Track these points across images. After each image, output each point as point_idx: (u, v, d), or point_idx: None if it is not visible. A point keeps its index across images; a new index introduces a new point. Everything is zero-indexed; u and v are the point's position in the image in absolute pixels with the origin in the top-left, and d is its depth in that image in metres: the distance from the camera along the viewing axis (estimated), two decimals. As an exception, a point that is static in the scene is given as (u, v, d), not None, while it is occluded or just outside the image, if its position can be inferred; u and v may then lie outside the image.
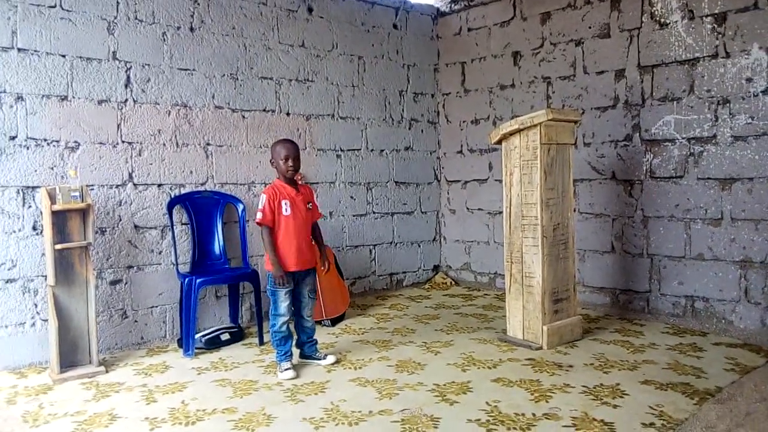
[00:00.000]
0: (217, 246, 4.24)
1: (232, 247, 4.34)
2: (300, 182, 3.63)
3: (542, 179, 3.71)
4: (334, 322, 4.47)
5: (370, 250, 5.39)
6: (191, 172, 4.23)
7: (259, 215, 3.28)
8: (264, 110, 4.59)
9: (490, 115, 5.49)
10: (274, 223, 3.29)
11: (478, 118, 5.59)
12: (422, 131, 5.75)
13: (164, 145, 4.09)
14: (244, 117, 4.49)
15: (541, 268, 3.73)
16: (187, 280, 3.84)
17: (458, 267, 5.86)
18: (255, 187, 4.54)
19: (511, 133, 3.82)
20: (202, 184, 4.28)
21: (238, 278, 4.11)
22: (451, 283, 5.83)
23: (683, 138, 4.22)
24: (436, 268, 5.96)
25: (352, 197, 5.22)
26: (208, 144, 4.31)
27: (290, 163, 3.29)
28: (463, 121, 5.71)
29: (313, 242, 3.49)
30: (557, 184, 3.81)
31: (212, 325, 4.23)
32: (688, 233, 4.22)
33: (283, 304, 3.34)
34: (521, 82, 5.20)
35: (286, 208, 3.31)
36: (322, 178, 5.00)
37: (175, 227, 4.09)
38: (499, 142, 3.90)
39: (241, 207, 4.34)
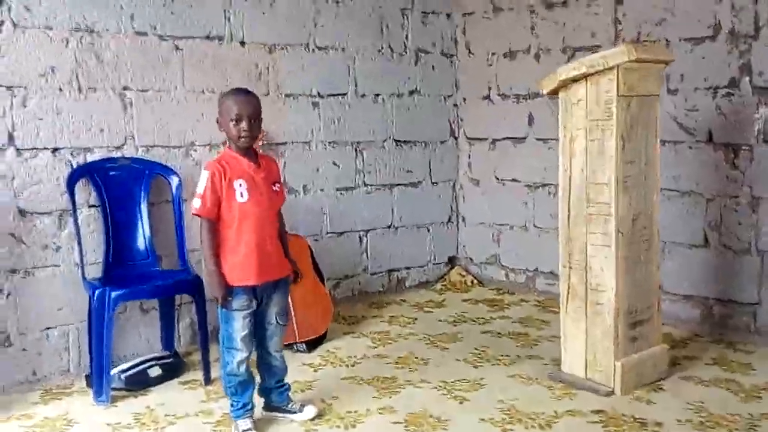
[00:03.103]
0: (142, 238, 3.94)
1: (164, 239, 4.05)
2: (261, 150, 3.24)
3: (619, 148, 3.42)
4: (312, 346, 4.20)
5: (361, 238, 5.11)
6: (102, 130, 3.90)
7: (196, 203, 2.97)
8: (208, 37, 4.26)
9: (531, 45, 5.17)
10: (220, 216, 2.96)
11: (514, 50, 5.28)
12: (433, 68, 5.42)
13: (60, 90, 3.76)
14: (178, 48, 4.14)
15: (615, 277, 3.46)
16: (97, 293, 3.52)
17: (482, 260, 5.60)
18: (196, 150, 4.20)
19: (575, 80, 3.51)
20: (117, 148, 3.96)
21: (173, 289, 3.82)
22: (472, 282, 5.59)
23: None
24: (451, 262, 5.70)
25: (335, 163, 4.92)
26: (126, 88, 3.97)
27: (244, 125, 2.96)
28: (492, 54, 5.39)
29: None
30: (639, 154, 3.52)
31: (136, 352, 3.96)
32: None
33: (240, 335, 3.03)
34: (577, 0, 4.86)
35: (241, 192, 2.99)
36: (291, 136, 4.67)
37: (79, 212, 3.79)
38: (555, 91, 3.59)
39: (175, 181, 4.00)
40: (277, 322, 3.17)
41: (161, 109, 4.09)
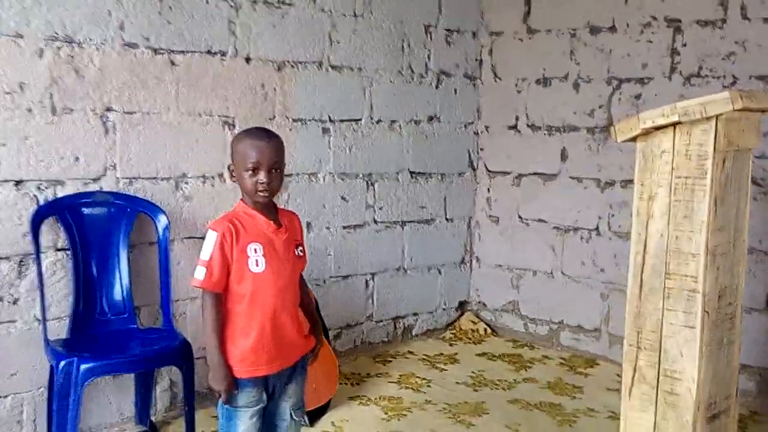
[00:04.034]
0: (119, 289, 3.32)
1: (144, 288, 3.44)
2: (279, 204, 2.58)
3: (711, 212, 2.83)
4: (314, 416, 3.60)
5: (367, 282, 4.52)
6: (77, 158, 3.27)
7: (200, 272, 2.36)
8: (209, 52, 3.64)
9: (569, 72, 4.61)
10: (229, 288, 2.37)
11: (549, 77, 4.73)
12: (455, 91, 4.86)
13: (29, 110, 3.12)
14: (173, 63, 3.51)
15: (697, 365, 2.88)
16: (62, 364, 2.86)
17: (498, 307, 5.05)
18: (187, 184, 3.57)
19: (659, 128, 2.91)
20: (95, 180, 3.34)
21: (157, 360, 3.18)
22: (485, 331, 5.04)
23: None
24: (461, 307, 5.10)
25: (343, 198, 4.33)
26: (110, 109, 3.34)
27: (262, 177, 2.38)
28: (523, 79, 4.84)
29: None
30: (730, 219, 2.96)
31: (105, 423, 3.38)
32: None
33: (245, 437, 2.40)
34: (628, 25, 4.36)
35: (256, 260, 2.39)
36: (297, 167, 4.05)
37: (44, 256, 3.16)
38: (634, 139, 3.00)
39: (163, 221, 3.38)
40: (292, 417, 2.55)
41: (149, 134, 3.44)
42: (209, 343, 2.38)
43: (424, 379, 4.19)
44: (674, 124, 2.85)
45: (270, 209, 2.47)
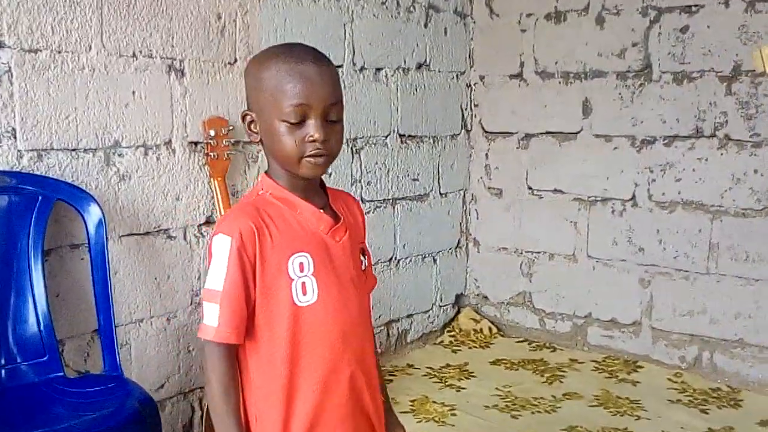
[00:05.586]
0: (32, 317, 2.23)
1: (70, 312, 2.40)
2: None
3: None
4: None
5: (354, 280, 3.46)
6: None
7: (211, 315, 1.36)
8: None
9: (590, 3, 3.75)
10: (257, 334, 1.39)
11: (563, 10, 3.84)
12: (445, 31, 3.86)
13: None
14: (96, -24, 2.36)
15: None
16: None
17: (504, 299, 4.18)
18: (122, 156, 2.52)
19: None
20: None
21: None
22: (490, 330, 4.14)
23: None
24: (458, 301, 4.19)
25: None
26: (2, 46, 2.18)
27: (313, 131, 1.37)
28: (528, 15, 3.94)
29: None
30: None
31: None
32: None
33: None
34: None
35: (302, 282, 1.41)
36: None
37: None
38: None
39: (94, 213, 2.31)
40: None
41: (63, 83, 2.32)
42: (220, 420, 1.35)
43: (443, 404, 3.25)
44: None
45: (317, 190, 1.47)
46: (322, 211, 1.43)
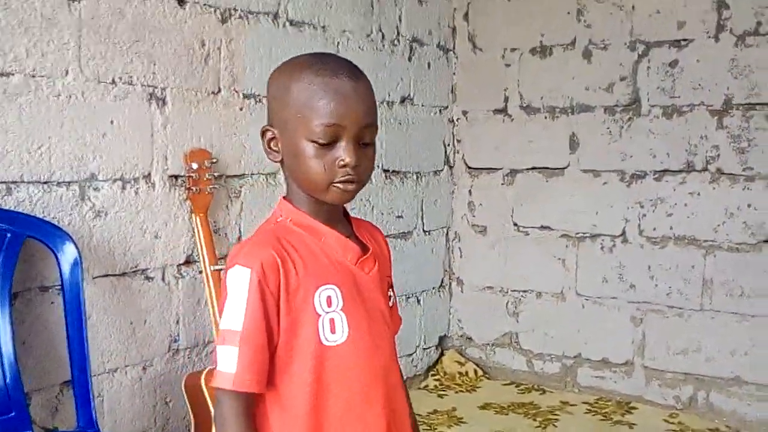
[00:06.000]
0: None
1: (38, 362, 2.20)
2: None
3: None
4: None
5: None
6: None
7: (227, 360, 1.18)
8: None
9: (577, 37, 3.73)
10: (280, 379, 1.22)
11: (549, 44, 3.78)
12: (429, 66, 3.78)
13: None
14: (72, 2, 2.19)
15: None
16: None
17: (489, 341, 4.05)
18: (98, 191, 2.34)
19: None
20: None
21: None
22: (476, 373, 4.01)
23: None
24: (441, 343, 4.04)
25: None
26: (-32, 68, 2.00)
27: (344, 154, 1.23)
28: (513, 49, 3.89)
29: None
30: None
31: None
32: None
33: None
34: None
35: (331, 319, 1.25)
36: (252, 164, 2.85)
37: None
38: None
39: (69, 252, 2.14)
40: None
41: (38, 110, 2.14)
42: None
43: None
44: None
45: (341, 218, 1.33)
46: (350, 240, 1.28)
